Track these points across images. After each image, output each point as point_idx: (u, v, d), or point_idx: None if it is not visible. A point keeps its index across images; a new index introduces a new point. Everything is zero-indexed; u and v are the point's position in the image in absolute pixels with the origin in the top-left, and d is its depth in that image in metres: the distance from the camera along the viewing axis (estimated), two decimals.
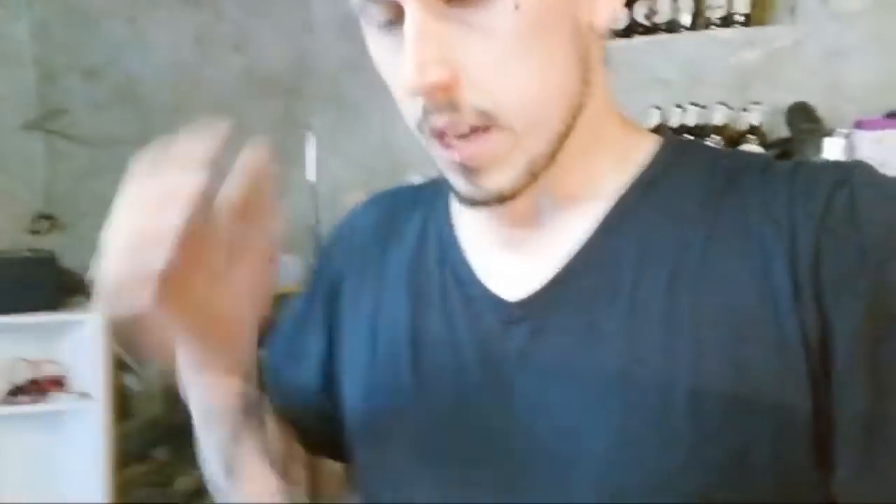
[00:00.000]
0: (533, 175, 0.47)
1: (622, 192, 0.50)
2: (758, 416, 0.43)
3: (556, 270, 0.50)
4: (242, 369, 0.53)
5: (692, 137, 0.54)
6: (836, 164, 0.49)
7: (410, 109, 0.47)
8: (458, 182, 0.47)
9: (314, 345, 0.62)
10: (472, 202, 0.48)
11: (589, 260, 0.49)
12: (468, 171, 0.46)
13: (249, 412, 0.54)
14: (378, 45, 0.47)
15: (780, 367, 0.43)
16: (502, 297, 0.51)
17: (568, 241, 0.50)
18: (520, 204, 0.49)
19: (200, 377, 0.52)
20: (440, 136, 0.45)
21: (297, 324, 0.65)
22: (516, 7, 0.43)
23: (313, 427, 0.62)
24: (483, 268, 0.53)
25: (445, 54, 0.43)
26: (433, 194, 0.60)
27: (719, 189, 0.48)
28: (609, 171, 0.51)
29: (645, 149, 0.52)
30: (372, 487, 0.56)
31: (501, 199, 0.47)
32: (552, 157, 0.47)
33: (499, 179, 0.46)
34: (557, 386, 0.48)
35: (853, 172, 0.46)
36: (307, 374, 0.62)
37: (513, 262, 0.52)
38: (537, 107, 0.46)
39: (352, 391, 0.58)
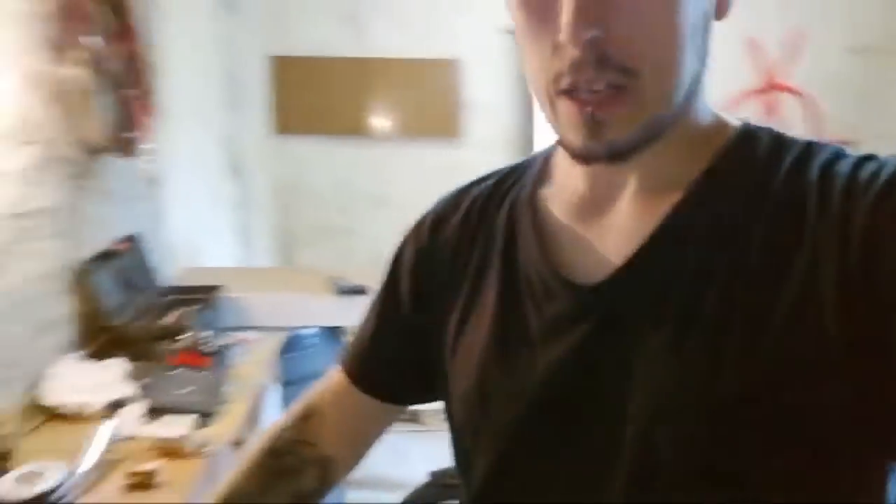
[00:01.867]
0: (649, 136, 0.50)
1: (692, 182, 0.53)
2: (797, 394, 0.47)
3: (627, 257, 0.53)
4: None
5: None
6: None
7: (547, 66, 0.49)
8: (579, 136, 0.50)
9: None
10: (589, 156, 0.51)
11: (657, 249, 0.52)
12: (595, 124, 0.49)
13: None
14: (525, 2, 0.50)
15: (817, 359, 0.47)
16: (577, 282, 0.55)
17: (639, 229, 0.53)
18: (617, 177, 0.54)
19: None
20: (572, 91, 0.49)
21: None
22: None
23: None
24: (560, 254, 0.57)
25: (602, 13, 0.46)
26: (515, 183, 0.63)
27: (782, 181, 0.51)
28: (687, 159, 0.54)
29: (723, 136, 0.55)
30: (470, 462, 0.61)
31: (619, 153, 0.50)
32: (670, 123, 0.51)
33: (621, 134, 0.49)
34: (631, 368, 0.51)
35: None
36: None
37: (589, 247, 0.56)
38: (672, 73, 0.49)
39: (452, 377, 0.62)
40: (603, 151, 0.50)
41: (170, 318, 2.06)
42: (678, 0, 0.48)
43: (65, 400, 1.67)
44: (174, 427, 1.53)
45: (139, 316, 2.02)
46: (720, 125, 0.57)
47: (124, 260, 2.09)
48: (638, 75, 0.48)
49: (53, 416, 1.68)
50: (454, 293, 0.63)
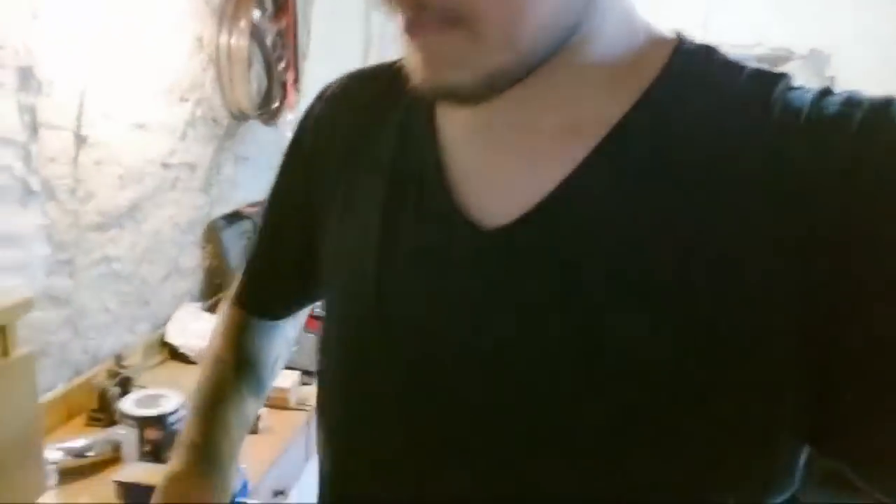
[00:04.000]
0: (493, 86, 0.43)
1: (615, 119, 0.45)
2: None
3: (534, 202, 0.46)
4: None
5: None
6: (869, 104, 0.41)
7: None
8: (416, 75, 0.44)
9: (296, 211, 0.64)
10: (434, 96, 0.46)
11: (568, 195, 0.45)
12: (429, 64, 0.43)
13: None
14: None
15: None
16: (476, 220, 0.48)
17: (550, 170, 0.46)
18: (498, 118, 0.47)
19: None
20: (409, 28, 0.43)
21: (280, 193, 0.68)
22: None
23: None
24: (461, 181, 0.50)
25: None
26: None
27: (730, 125, 0.43)
28: (607, 94, 0.46)
29: (654, 63, 0.46)
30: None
31: (456, 99, 0.44)
32: (522, 73, 0.43)
33: (454, 79, 0.43)
34: (518, 317, 0.46)
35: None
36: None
37: (493, 182, 0.49)
38: (508, 14, 0.41)
39: (328, 282, 0.59)
40: (439, 94, 0.45)
41: None
42: None
43: (186, 342, 1.78)
44: (280, 380, 1.59)
45: None
46: (651, 44, 0.48)
47: (251, 223, 2.20)
48: (461, 14, 0.41)
49: (173, 355, 1.79)
50: (336, 183, 0.58)
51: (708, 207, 0.42)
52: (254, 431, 1.50)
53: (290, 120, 2.26)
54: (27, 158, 1.36)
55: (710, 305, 0.41)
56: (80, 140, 1.50)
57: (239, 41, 1.96)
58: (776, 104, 0.43)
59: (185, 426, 0.70)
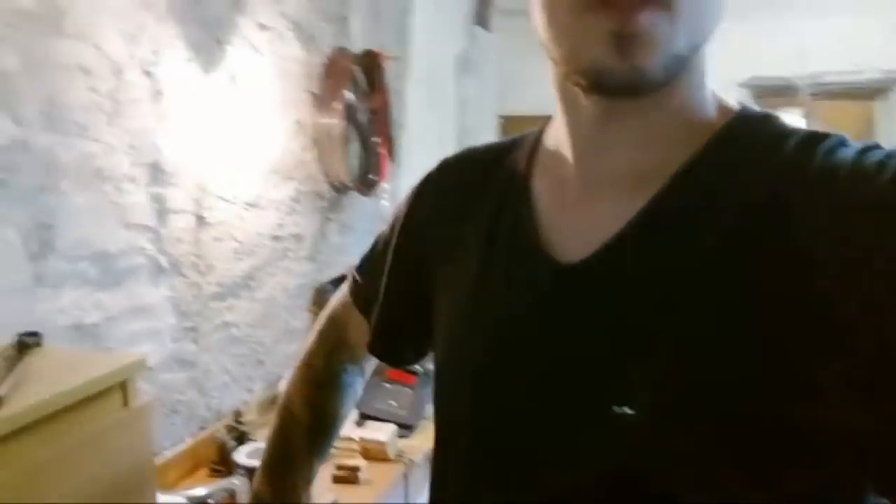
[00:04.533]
0: (668, 74, 0.48)
1: (673, 171, 0.52)
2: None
3: (603, 243, 0.53)
4: None
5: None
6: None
7: None
8: (608, 57, 0.47)
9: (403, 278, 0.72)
10: (609, 80, 0.48)
11: (636, 235, 0.52)
12: (628, 42, 0.46)
13: None
14: None
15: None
16: (557, 259, 0.55)
17: (618, 216, 0.53)
18: (576, 172, 0.55)
19: None
20: (603, 5, 0.46)
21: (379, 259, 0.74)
22: None
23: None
24: (546, 227, 0.57)
25: None
26: (513, 154, 0.64)
27: (777, 172, 0.49)
28: (672, 148, 0.53)
29: (715, 126, 0.53)
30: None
31: (636, 85, 0.48)
32: (672, 74, 0.49)
33: (648, 60, 0.47)
34: (591, 344, 0.52)
35: None
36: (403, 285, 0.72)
37: (572, 227, 0.56)
38: (702, 10, 0.48)
39: (438, 334, 0.66)
40: (630, 76, 0.47)
41: None
42: None
43: None
44: (379, 433, 1.70)
45: None
46: (717, 108, 0.55)
47: None
48: (674, 2, 0.46)
49: None
50: (445, 251, 0.65)
51: (750, 253, 0.48)
52: (354, 482, 1.61)
53: (385, 189, 2.44)
54: (157, 240, 1.58)
55: (772, 332, 0.46)
56: (201, 221, 1.72)
57: (334, 122, 2.16)
58: (813, 165, 0.48)
59: (254, 481, 0.81)
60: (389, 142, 2.46)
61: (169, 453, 1.62)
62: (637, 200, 0.52)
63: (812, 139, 0.50)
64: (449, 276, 0.64)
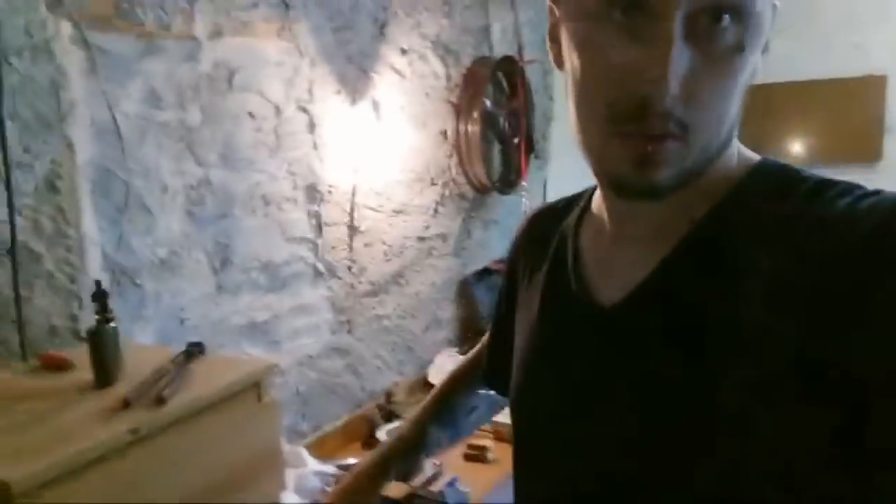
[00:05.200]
0: (686, 180, 0.54)
1: (691, 224, 0.58)
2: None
3: (631, 289, 0.60)
4: None
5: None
6: None
7: (602, 91, 0.53)
8: (629, 173, 0.53)
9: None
10: (631, 191, 0.55)
11: (654, 282, 0.58)
12: (647, 163, 0.52)
13: None
14: (602, 22, 0.52)
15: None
16: (599, 302, 0.63)
17: (644, 266, 0.59)
18: (612, 231, 0.63)
19: None
20: (629, 135, 0.52)
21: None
22: (741, 50, 0.51)
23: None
24: (589, 275, 0.66)
25: (684, 71, 0.50)
26: (571, 209, 0.73)
27: (784, 221, 0.53)
28: (690, 203, 0.57)
29: (731, 181, 0.58)
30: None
31: (658, 192, 0.54)
32: (704, 169, 0.55)
33: (666, 177, 0.53)
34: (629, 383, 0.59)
35: None
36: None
37: (611, 272, 0.64)
38: (719, 131, 0.54)
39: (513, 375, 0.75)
40: (646, 189, 0.54)
41: None
42: (741, 68, 0.52)
43: None
44: (505, 416, 1.88)
45: None
46: (739, 161, 0.59)
47: (499, 277, 2.54)
48: (690, 131, 0.51)
49: None
50: (522, 298, 0.75)
51: (761, 299, 0.52)
52: (483, 461, 1.81)
53: (524, 186, 2.58)
54: (315, 250, 1.87)
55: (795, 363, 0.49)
56: (353, 230, 1.99)
57: (474, 128, 2.34)
58: (815, 213, 0.52)
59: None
60: (529, 142, 2.60)
61: (328, 427, 1.93)
62: (657, 252, 0.59)
63: (823, 186, 0.54)
64: (521, 319, 0.76)
